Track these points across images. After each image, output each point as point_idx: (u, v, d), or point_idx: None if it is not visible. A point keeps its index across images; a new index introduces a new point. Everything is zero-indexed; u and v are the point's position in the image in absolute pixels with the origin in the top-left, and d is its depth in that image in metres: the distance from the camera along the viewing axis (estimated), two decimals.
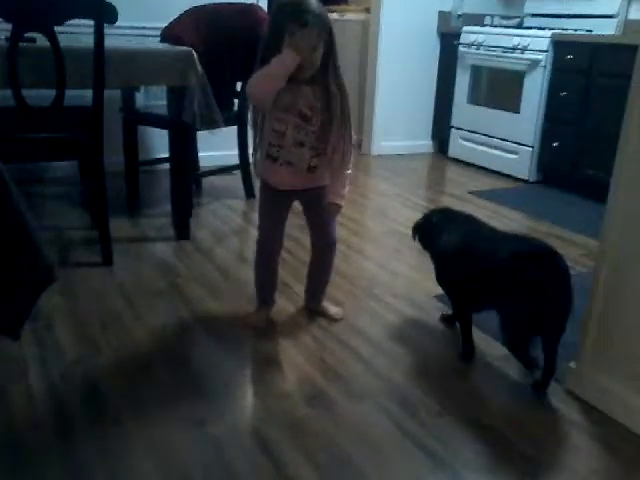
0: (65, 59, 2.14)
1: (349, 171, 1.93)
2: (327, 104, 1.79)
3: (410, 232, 2.18)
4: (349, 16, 4.97)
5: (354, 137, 1.95)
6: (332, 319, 2.09)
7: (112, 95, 2.86)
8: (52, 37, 2.10)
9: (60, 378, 1.68)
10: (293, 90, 1.77)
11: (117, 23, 2.19)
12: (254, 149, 1.92)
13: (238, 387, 1.75)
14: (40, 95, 2.17)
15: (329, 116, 1.80)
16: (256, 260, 2.06)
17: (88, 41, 2.17)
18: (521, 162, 4.06)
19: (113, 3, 2.18)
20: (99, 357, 1.80)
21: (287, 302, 2.19)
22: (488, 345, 1.97)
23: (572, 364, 1.74)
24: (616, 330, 1.63)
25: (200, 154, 3.38)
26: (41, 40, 2.14)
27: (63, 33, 2.14)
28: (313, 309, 2.14)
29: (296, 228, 2.45)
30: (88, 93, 2.26)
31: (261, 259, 2.05)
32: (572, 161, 3.78)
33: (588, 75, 3.61)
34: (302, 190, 1.92)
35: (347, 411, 1.62)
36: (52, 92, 2.18)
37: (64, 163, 3.35)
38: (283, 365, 1.84)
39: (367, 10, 4.72)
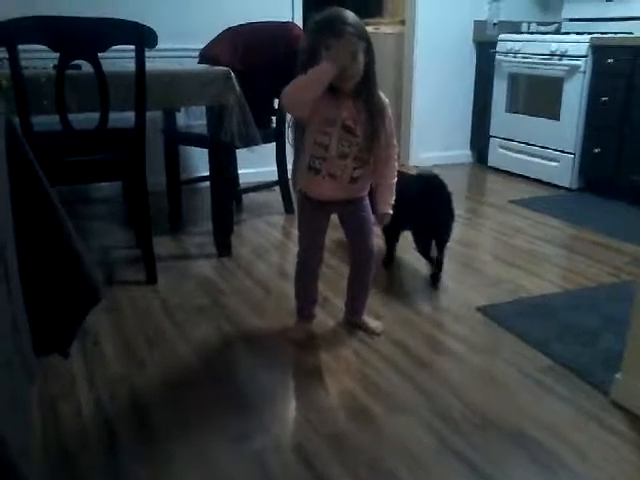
0: (108, 84, 2.21)
1: (395, 180, 1.94)
2: (370, 116, 1.81)
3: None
4: (384, 29, 4.99)
5: (396, 148, 1.96)
6: (373, 333, 2.09)
7: (154, 116, 2.94)
8: (96, 63, 2.18)
9: (107, 394, 1.73)
10: (337, 102, 1.79)
11: (157, 45, 2.27)
12: (293, 164, 1.95)
13: (280, 401, 1.77)
14: (84, 118, 2.25)
15: (372, 128, 1.81)
16: (297, 273, 2.08)
17: (130, 65, 2.24)
18: (562, 169, 4.00)
19: (153, 27, 2.25)
20: (144, 373, 1.85)
21: (327, 316, 2.21)
22: (531, 357, 1.94)
23: (618, 375, 1.71)
24: None
25: (240, 171, 3.43)
26: (85, 66, 2.22)
27: (106, 58, 2.21)
28: (353, 323, 2.15)
29: (334, 241, 2.47)
30: (131, 115, 2.33)
31: (302, 272, 2.06)
32: (614, 167, 3.70)
33: (629, 79, 3.55)
34: (343, 201, 1.94)
35: (388, 425, 1.62)
36: (95, 115, 2.26)
37: (108, 183, 3.45)
38: (324, 379, 1.85)
39: (402, 22, 4.73)
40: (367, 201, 1.99)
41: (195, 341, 2.04)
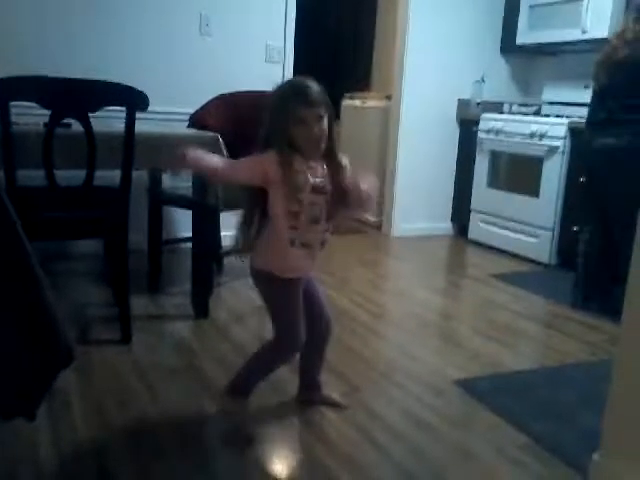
0: (97, 142, 2.24)
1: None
2: (336, 173, 1.75)
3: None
4: (370, 103, 5.15)
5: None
6: (338, 405, 2.02)
7: (139, 176, 2.96)
8: (86, 123, 2.21)
9: (72, 460, 1.67)
10: (305, 168, 1.71)
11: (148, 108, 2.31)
12: (242, 239, 1.82)
13: (250, 471, 1.71)
14: (68, 175, 2.25)
15: (338, 184, 1.75)
16: (270, 361, 1.89)
17: (119, 125, 2.27)
18: (541, 245, 4.07)
19: (144, 90, 2.29)
20: (113, 437, 1.79)
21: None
22: (509, 434, 1.91)
23: (595, 456, 1.68)
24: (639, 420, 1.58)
25: (223, 233, 3.44)
26: (75, 124, 2.25)
27: (96, 118, 2.25)
28: (314, 400, 2.03)
29: None
30: (116, 173, 2.34)
31: (278, 362, 1.90)
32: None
33: None
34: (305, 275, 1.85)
35: None
36: (81, 172, 2.27)
37: (88, 240, 3.43)
38: (298, 450, 1.80)
39: (388, 97, 4.88)
40: None
41: (167, 404, 1.98)
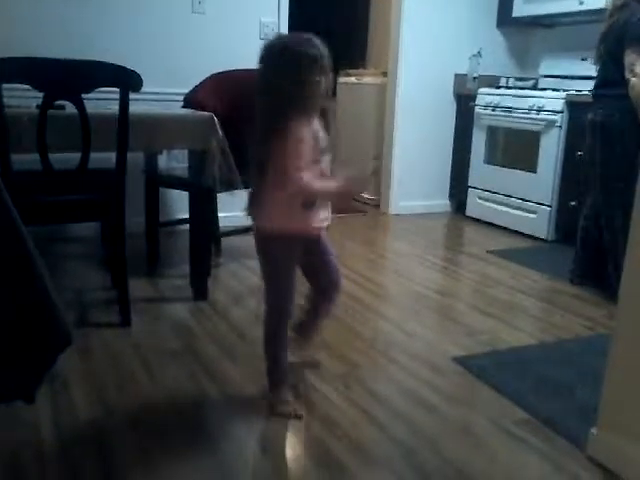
0: (91, 125, 2.22)
1: None
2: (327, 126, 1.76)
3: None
4: (367, 80, 5.10)
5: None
6: (316, 365, 2.12)
7: (135, 157, 2.94)
8: (80, 105, 2.19)
9: (74, 440, 1.68)
10: (314, 132, 1.71)
11: (142, 89, 2.29)
12: (260, 204, 1.77)
13: (251, 452, 1.73)
14: (63, 158, 2.24)
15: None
16: (274, 335, 1.88)
17: (114, 106, 2.25)
18: (539, 221, 4.06)
19: (138, 70, 2.27)
20: (113, 419, 1.80)
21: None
22: (507, 409, 1.93)
23: (593, 430, 1.70)
24: (637, 393, 1.59)
25: (220, 215, 3.43)
26: (69, 106, 2.23)
27: (90, 100, 2.23)
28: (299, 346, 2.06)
29: None
30: (112, 156, 2.33)
31: (282, 329, 1.87)
32: None
33: None
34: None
35: (361, 478, 1.59)
36: (75, 155, 2.25)
37: (86, 223, 3.42)
38: (296, 429, 1.82)
39: (384, 74, 4.84)
40: None
41: (167, 387, 1.99)
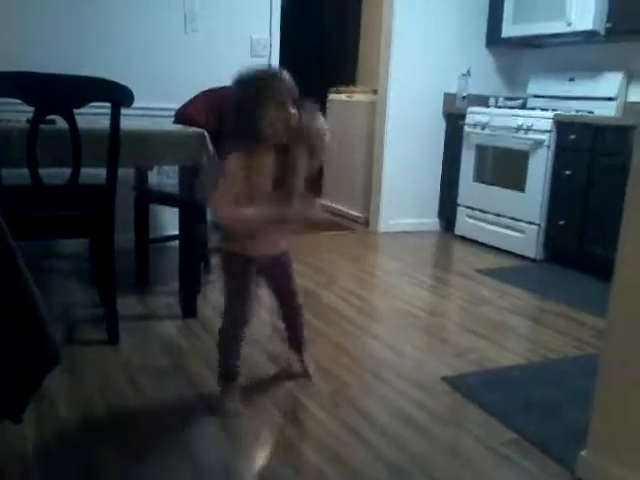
0: (82, 140, 2.21)
1: None
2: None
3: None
4: (357, 97, 5.13)
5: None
6: (308, 377, 2.18)
7: (125, 173, 2.93)
8: (71, 120, 2.18)
9: (59, 458, 1.66)
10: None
11: (133, 104, 2.29)
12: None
13: (239, 474, 1.71)
14: (53, 173, 2.22)
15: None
16: (231, 339, 2.02)
17: (105, 121, 2.25)
18: (527, 240, 4.08)
19: (130, 86, 2.27)
20: (101, 439, 1.78)
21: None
22: (496, 430, 1.92)
23: (583, 452, 1.70)
24: (627, 415, 1.60)
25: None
26: (60, 121, 2.22)
27: (82, 114, 2.22)
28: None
29: None
30: (102, 171, 2.32)
31: (239, 336, 2.03)
32: (578, 239, 3.79)
33: (591, 155, 3.68)
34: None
35: None
36: (65, 170, 2.24)
37: (74, 239, 3.40)
38: (287, 449, 1.80)
39: (374, 92, 4.87)
40: None
41: (155, 406, 1.98)
